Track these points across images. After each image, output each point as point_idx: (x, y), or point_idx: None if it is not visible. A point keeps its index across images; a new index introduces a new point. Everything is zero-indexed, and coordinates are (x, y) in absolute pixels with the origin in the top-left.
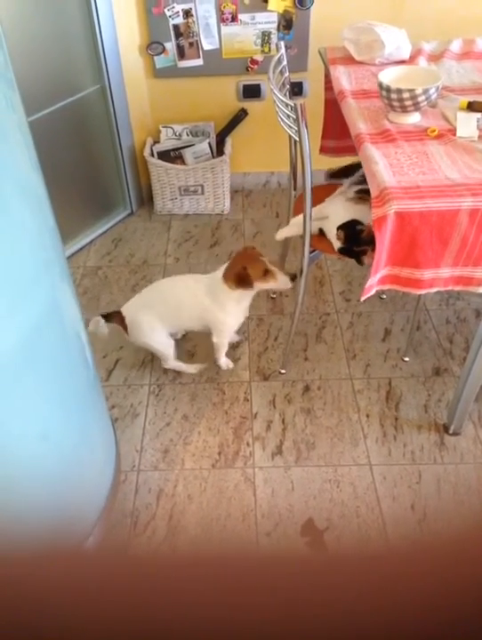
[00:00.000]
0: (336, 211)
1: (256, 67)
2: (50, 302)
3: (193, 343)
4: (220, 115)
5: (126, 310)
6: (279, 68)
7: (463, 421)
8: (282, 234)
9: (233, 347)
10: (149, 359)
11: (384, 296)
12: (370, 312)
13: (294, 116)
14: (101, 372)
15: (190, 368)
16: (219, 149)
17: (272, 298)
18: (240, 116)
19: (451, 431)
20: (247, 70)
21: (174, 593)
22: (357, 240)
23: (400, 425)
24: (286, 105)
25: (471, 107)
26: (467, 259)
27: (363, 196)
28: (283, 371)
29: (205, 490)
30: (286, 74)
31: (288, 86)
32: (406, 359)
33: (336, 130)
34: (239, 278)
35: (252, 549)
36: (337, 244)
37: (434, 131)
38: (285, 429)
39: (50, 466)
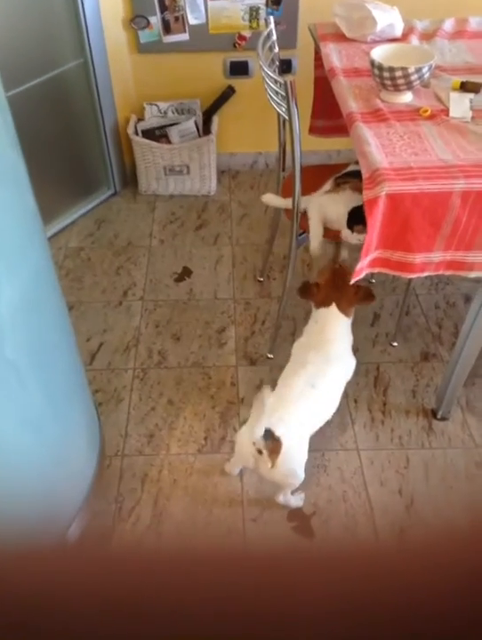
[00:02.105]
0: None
1: (244, 43)
2: (31, 285)
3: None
4: (207, 92)
5: (287, 431)
6: (268, 44)
7: (451, 406)
8: (270, 199)
9: (219, 331)
10: (134, 343)
11: (373, 280)
12: None
13: (284, 94)
14: (85, 355)
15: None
16: (205, 128)
17: (259, 281)
18: (227, 93)
19: (439, 416)
20: (235, 46)
21: (157, 589)
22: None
23: (388, 410)
24: (276, 82)
25: (464, 87)
26: (459, 243)
27: (340, 182)
28: (270, 355)
29: (191, 475)
30: (276, 50)
31: (278, 63)
32: (395, 344)
33: (326, 109)
34: (369, 295)
35: (240, 545)
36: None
37: (427, 111)
38: None
39: (32, 452)
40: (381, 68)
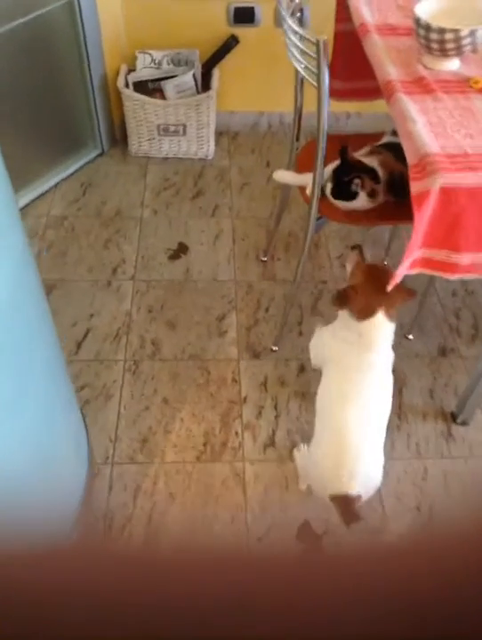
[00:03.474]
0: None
1: None
2: (15, 273)
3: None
4: (207, 41)
5: (362, 483)
6: None
7: (474, 411)
8: (282, 176)
9: (219, 318)
10: (125, 330)
11: (386, 262)
12: None
13: (314, 55)
14: (70, 344)
15: None
16: (204, 83)
17: (263, 261)
18: (230, 44)
19: (459, 420)
20: None
21: (157, 589)
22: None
23: (404, 413)
24: (301, 38)
25: None
26: None
27: (379, 149)
28: (275, 348)
29: (189, 487)
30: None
31: (299, 14)
32: (410, 337)
33: (347, 70)
34: (411, 292)
35: (244, 549)
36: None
37: (478, 82)
38: (277, 416)
39: (13, 466)
40: (428, 28)
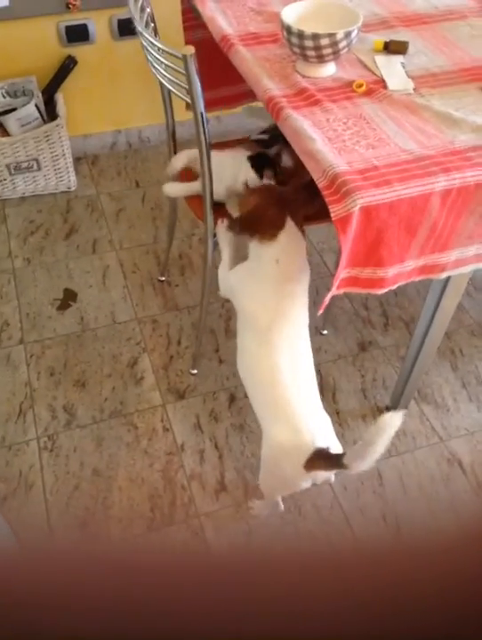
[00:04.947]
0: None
1: (79, 2)
2: None
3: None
4: (43, 66)
5: (325, 434)
6: (140, 3)
7: (409, 402)
8: (172, 189)
9: (130, 364)
10: (28, 403)
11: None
12: None
13: (179, 69)
14: None
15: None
16: (49, 111)
17: (160, 281)
18: (68, 65)
19: None
20: (68, 8)
21: (162, 592)
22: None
23: (344, 419)
24: (162, 52)
25: (388, 48)
26: (434, 246)
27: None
28: (194, 371)
29: None
30: (148, 9)
31: (153, 25)
32: (325, 332)
33: (206, 79)
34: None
35: (245, 553)
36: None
37: (361, 85)
38: (221, 457)
39: None
40: (301, 35)
